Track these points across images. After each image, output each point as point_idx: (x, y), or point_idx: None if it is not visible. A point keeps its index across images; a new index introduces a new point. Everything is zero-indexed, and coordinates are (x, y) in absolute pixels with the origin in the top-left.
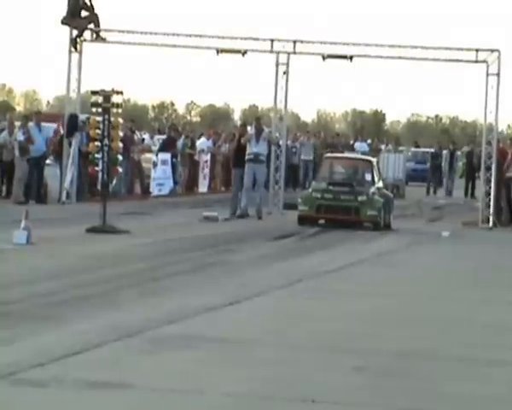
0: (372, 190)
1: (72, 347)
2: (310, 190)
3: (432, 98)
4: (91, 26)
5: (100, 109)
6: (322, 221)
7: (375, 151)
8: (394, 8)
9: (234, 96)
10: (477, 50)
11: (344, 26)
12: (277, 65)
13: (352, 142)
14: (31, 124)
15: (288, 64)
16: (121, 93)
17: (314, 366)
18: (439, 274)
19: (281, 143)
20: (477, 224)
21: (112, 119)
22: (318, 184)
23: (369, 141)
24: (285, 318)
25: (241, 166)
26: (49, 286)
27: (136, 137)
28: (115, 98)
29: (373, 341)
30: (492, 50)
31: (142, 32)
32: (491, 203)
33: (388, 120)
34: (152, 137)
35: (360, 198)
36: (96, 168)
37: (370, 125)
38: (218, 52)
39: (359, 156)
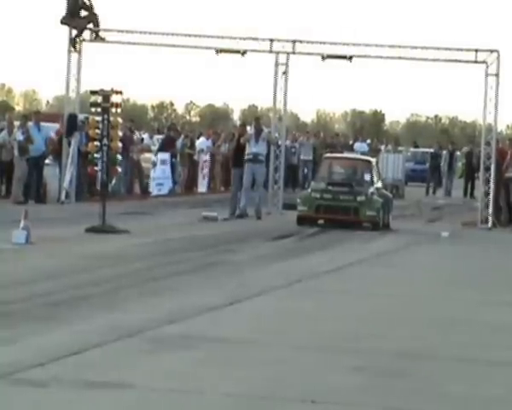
0: (371, 190)
1: (72, 347)
2: (309, 190)
3: (431, 98)
4: (90, 25)
5: (99, 109)
6: (321, 221)
7: (374, 151)
8: (394, 9)
9: (233, 96)
10: (476, 51)
11: (343, 27)
12: (277, 65)
13: (351, 142)
14: (30, 124)
15: (287, 64)
16: (120, 93)
17: (314, 367)
18: (438, 274)
19: (280, 143)
20: (476, 224)
21: (111, 118)
22: (317, 185)
23: (368, 141)
24: (285, 318)
25: (241, 166)
26: (49, 286)
27: (135, 137)
28: (114, 98)
29: (372, 341)
30: (492, 51)
31: (141, 32)
32: (491, 203)
33: (388, 120)
34: (151, 137)
35: (359, 198)
36: (96, 168)
37: (370, 126)
38: (217, 52)
39: (358, 156)
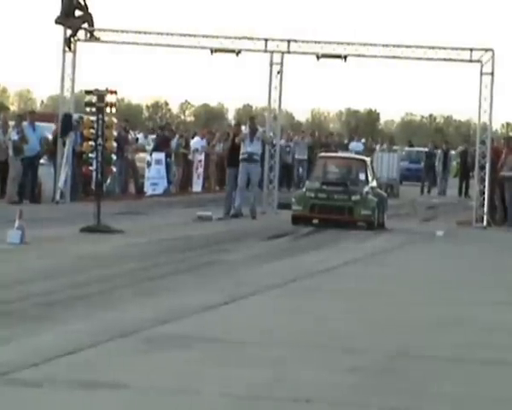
0: (366, 189)
1: (66, 346)
2: (304, 189)
3: (426, 98)
4: (85, 25)
5: (94, 109)
6: (315, 221)
7: (369, 151)
8: (389, 8)
9: (228, 96)
10: (471, 50)
11: (338, 26)
12: (271, 64)
13: (346, 141)
14: (25, 123)
15: (282, 63)
16: (115, 93)
17: (309, 366)
18: (432, 274)
19: (275, 142)
20: (471, 223)
21: (106, 118)
22: (312, 184)
23: (363, 140)
24: (280, 317)
25: (236, 166)
26: (43, 286)
27: (130, 137)
28: (109, 98)
29: (367, 341)
30: (486, 50)
31: (135, 32)
32: (485, 202)
33: (382, 119)
34: (146, 137)
35: (354, 198)
36: (90, 168)
37: (364, 125)
38: (212, 52)
39: (353, 156)
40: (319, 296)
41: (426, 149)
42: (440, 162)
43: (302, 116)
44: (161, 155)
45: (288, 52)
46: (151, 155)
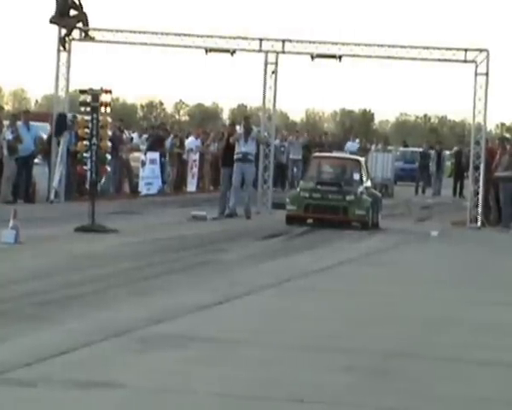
0: (360, 189)
1: (61, 346)
2: (298, 189)
3: (420, 98)
4: (80, 25)
5: (88, 108)
6: (310, 221)
7: (363, 151)
8: (383, 8)
9: (222, 96)
10: (466, 50)
11: (333, 26)
12: (266, 64)
13: (339, 141)
14: (19, 123)
15: (276, 63)
16: (110, 92)
17: (303, 366)
18: (427, 274)
19: (269, 142)
20: (465, 223)
21: (100, 118)
22: (306, 184)
23: (357, 140)
24: (274, 317)
25: (230, 166)
26: (38, 285)
27: (124, 137)
28: (104, 97)
29: (362, 340)
30: (481, 50)
31: (130, 31)
32: (480, 203)
33: (377, 119)
34: (140, 136)
35: (348, 198)
36: (85, 167)
37: (359, 125)
38: (206, 51)
39: (347, 156)
40: (313, 296)
41: (420, 150)
42: (434, 162)
43: (297, 116)
44: (156, 155)
45: (283, 52)
46: (145, 154)
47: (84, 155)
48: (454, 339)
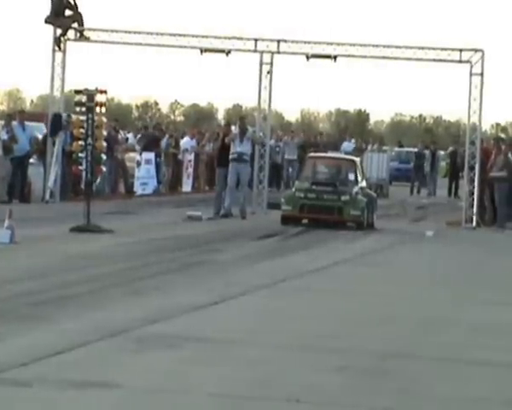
0: (355, 189)
1: (56, 346)
2: (293, 189)
3: (415, 98)
4: (75, 25)
5: (84, 108)
6: (305, 221)
7: (359, 151)
8: (378, 9)
9: (218, 96)
10: (461, 50)
11: (328, 26)
12: (261, 64)
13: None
14: (14, 123)
15: (271, 63)
16: (105, 92)
17: (298, 366)
18: (422, 274)
19: (265, 142)
20: (461, 223)
21: (96, 118)
22: (301, 184)
23: (353, 140)
24: (269, 317)
25: (225, 166)
26: (33, 285)
27: (119, 137)
28: (99, 97)
29: (357, 340)
30: (476, 50)
31: (125, 31)
32: (475, 203)
33: (372, 119)
34: (136, 137)
35: (343, 198)
36: (80, 167)
37: (354, 125)
38: (201, 51)
39: (342, 156)
40: (309, 296)
41: (415, 150)
42: (428, 163)
43: (292, 116)
44: (151, 155)
45: (278, 52)
46: (141, 154)
47: (80, 155)
48: (450, 339)
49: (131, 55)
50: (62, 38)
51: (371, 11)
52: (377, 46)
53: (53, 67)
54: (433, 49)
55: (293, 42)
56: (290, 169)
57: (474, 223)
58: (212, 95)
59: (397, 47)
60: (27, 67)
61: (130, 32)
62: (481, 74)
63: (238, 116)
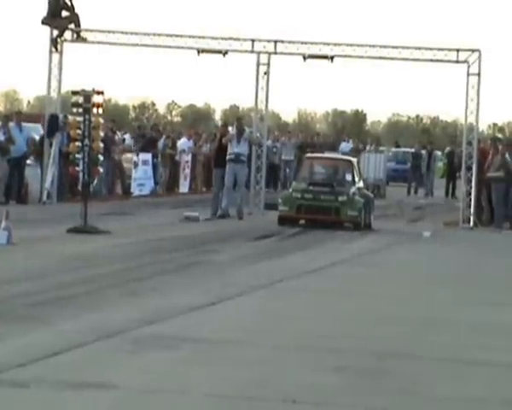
0: (352, 190)
1: (53, 347)
2: (290, 190)
3: (412, 98)
4: (72, 26)
5: (80, 109)
6: (302, 221)
7: (356, 151)
8: (375, 9)
9: (215, 96)
10: (458, 50)
11: (325, 27)
12: (258, 65)
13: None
14: (11, 124)
15: (268, 64)
16: (102, 93)
17: (296, 366)
18: (419, 274)
19: (262, 142)
20: (458, 224)
21: (92, 119)
22: (298, 185)
23: (351, 141)
24: (266, 318)
25: (222, 167)
26: (30, 286)
27: (116, 138)
28: (96, 98)
29: (354, 341)
30: (473, 50)
31: (122, 32)
32: (472, 203)
33: (369, 120)
34: (132, 137)
35: (340, 198)
36: (77, 168)
37: (351, 126)
38: (198, 52)
39: (340, 157)
40: (306, 297)
41: (412, 150)
42: (424, 163)
43: (289, 117)
44: (148, 156)
45: (275, 53)
46: (138, 155)
47: (77, 156)
48: (449, 339)
49: (128, 56)
50: (59, 39)
51: (368, 11)
52: (374, 46)
53: (50, 68)
54: (430, 49)
55: (289, 42)
56: (287, 170)
57: (472, 223)
58: (209, 95)
59: (394, 47)
60: (24, 68)
61: (127, 33)
62: (478, 74)
63: (235, 117)
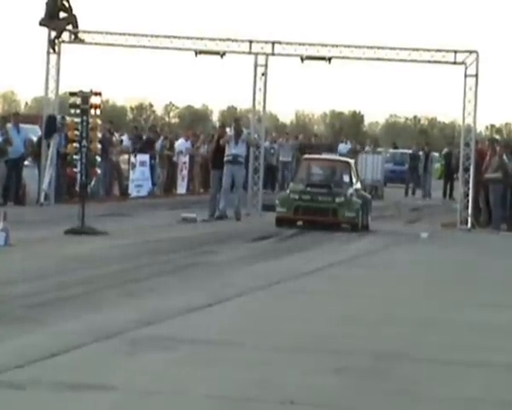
0: (350, 191)
1: (51, 348)
2: (288, 191)
3: (410, 99)
4: (70, 27)
5: (78, 111)
6: (300, 223)
7: (354, 153)
8: (373, 10)
9: (212, 98)
10: (455, 52)
11: (322, 28)
12: (256, 66)
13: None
14: (9, 125)
15: (266, 65)
16: (100, 94)
17: (294, 368)
18: (417, 275)
19: (260, 143)
20: (456, 225)
21: (90, 120)
22: (296, 186)
23: (349, 142)
24: (264, 319)
25: (220, 168)
26: (28, 288)
27: (114, 139)
28: (94, 99)
29: (352, 342)
30: (471, 52)
31: (120, 34)
32: (470, 204)
33: (367, 121)
34: (130, 139)
35: (338, 200)
36: (75, 170)
37: (349, 127)
38: (196, 53)
39: (337, 158)
40: (304, 298)
41: (410, 151)
42: (421, 165)
43: (287, 118)
44: (146, 157)
45: (273, 54)
46: (135, 156)
47: (74, 157)
48: (443, 340)
49: (126, 58)
50: (57, 41)
51: (366, 13)
52: (372, 48)
53: (47, 70)
54: (428, 50)
55: (287, 44)
56: (285, 171)
57: (469, 224)
58: (207, 97)
59: (391, 48)
60: (22, 69)
61: (124, 34)
62: (476, 76)
63: (233, 118)
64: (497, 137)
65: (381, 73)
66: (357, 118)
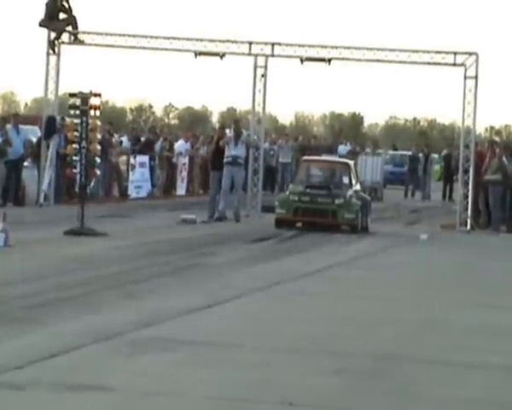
0: (349, 192)
1: (51, 349)
2: (287, 192)
3: (410, 101)
4: (69, 28)
5: (78, 111)
6: (299, 224)
7: (353, 154)
8: (372, 12)
9: (212, 99)
10: (455, 53)
11: (322, 29)
12: (255, 68)
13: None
14: (8, 126)
15: (266, 67)
16: (99, 95)
17: (293, 369)
18: (416, 277)
19: (260, 145)
20: (455, 227)
21: (90, 121)
22: (296, 187)
23: (349, 143)
24: (264, 320)
25: (220, 169)
26: (28, 288)
27: (114, 140)
28: (93, 100)
29: (351, 343)
30: (470, 53)
31: (120, 35)
32: (469, 206)
33: (366, 122)
34: (130, 140)
35: (337, 201)
36: (74, 170)
37: (348, 128)
38: (196, 55)
39: (337, 159)
40: (303, 300)
41: (410, 153)
42: (421, 166)
43: (286, 119)
44: (145, 158)
45: (272, 55)
46: (135, 157)
47: (74, 158)
48: (444, 341)
49: (126, 59)
50: (56, 42)
51: (365, 14)
52: (371, 49)
53: (47, 71)
54: (428, 52)
55: (287, 45)
56: (284, 172)
57: (469, 226)
58: (207, 98)
59: (391, 50)
60: (22, 70)
61: (124, 35)
62: (475, 77)
63: (232, 119)
64: (497, 138)
65: (380, 74)
66: (356, 119)
